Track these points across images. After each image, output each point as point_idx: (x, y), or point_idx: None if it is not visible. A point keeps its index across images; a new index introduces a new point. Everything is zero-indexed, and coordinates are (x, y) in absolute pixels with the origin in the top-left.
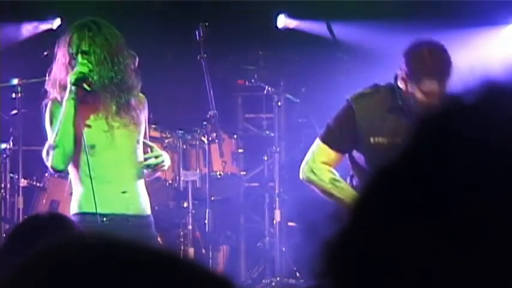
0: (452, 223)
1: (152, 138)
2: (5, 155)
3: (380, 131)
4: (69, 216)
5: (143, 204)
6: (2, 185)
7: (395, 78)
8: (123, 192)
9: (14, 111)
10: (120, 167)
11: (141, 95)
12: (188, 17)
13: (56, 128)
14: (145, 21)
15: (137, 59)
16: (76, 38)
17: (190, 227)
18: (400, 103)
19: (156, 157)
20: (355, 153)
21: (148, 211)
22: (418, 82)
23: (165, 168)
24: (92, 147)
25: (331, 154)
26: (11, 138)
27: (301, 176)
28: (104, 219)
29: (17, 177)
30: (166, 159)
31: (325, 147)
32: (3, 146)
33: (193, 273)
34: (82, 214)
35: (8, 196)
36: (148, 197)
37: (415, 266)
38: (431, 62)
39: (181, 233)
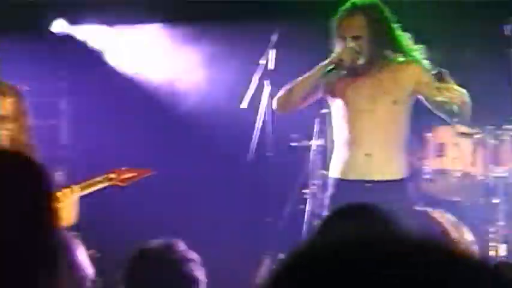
0: None
1: (461, 134)
2: (316, 152)
3: None
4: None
5: (392, 169)
6: (313, 182)
7: None
8: (367, 155)
9: (324, 109)
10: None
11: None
12: (496, 13)
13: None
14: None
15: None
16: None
17: (500, 223)
18: None
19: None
20: None
21: (400, 175)
22: None
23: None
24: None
25: None
26: (322, 135)
27: None
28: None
29: (327, 173)
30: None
31: None
32: (316, 142)
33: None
34: (332, 179)
35: (318, 193)
36: (458, 193)
37: None
38: None
39: (492, 229)
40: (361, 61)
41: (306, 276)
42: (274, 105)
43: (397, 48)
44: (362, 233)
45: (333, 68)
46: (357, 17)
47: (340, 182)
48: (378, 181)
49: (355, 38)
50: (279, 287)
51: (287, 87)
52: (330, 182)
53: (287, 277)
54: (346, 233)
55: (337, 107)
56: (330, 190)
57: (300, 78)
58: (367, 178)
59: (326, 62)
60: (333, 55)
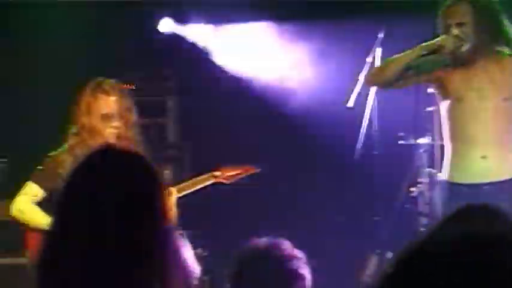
0: None
1: None
2: (423, 150)
3: None
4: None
5: (506, 169)
6: (421, 180)
7: None
8: (483, 157)
9: (431, 107)
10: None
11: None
12: None
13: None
14: None
15: None
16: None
17: None
18: None
19: None
20: None
21: (507, 176)
22: None
23: None
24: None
25: None
26: (429, 132)
27: None
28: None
29: (434, 171)
30: None
31: None
32: (423, 140)
33: None
34: (447, 183)
35: (425, 191)
36: None
37: None
38: None
39: None
40: (465, 48)
41: (422, 273)
42: (365, 79)
43: (504, 40)
44: (484, 234)
45: (432, 52)
46: (462, 4)
47: (456, 186)
48: (492, 182)
49: (459, 24)
50: (393, 284)
51: (383, 61)
52: (444, 185)
53: (402, 274)
54: (467, 234)
55: (446, 103)
56: (444, 193)
57: (397, 55)
58: (483, 181)
59: (427, 43)
60: (436, 40)
